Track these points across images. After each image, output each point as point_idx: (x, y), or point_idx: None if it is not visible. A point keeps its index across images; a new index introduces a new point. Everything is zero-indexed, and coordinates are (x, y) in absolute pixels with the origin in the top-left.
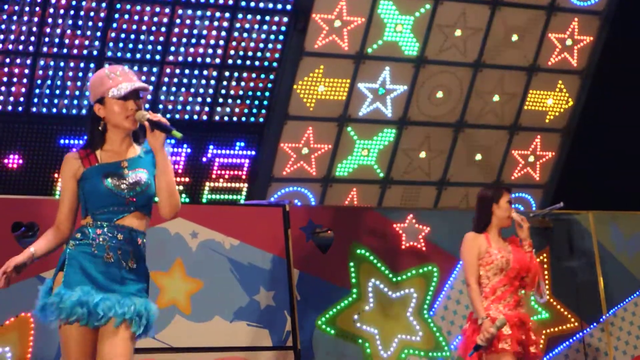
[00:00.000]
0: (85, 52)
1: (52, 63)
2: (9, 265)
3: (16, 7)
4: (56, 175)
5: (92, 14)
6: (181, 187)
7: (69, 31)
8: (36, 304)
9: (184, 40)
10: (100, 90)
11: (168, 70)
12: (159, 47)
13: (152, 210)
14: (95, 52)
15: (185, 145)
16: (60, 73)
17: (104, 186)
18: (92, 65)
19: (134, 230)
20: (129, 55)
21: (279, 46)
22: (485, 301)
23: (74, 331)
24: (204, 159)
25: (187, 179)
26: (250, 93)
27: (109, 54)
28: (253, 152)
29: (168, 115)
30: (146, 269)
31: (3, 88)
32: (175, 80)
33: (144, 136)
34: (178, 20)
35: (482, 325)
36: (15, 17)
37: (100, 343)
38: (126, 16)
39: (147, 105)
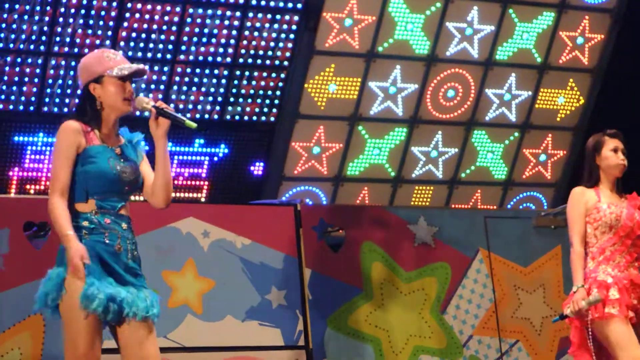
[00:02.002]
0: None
1: (63, 62)
2: (81, 255)
3: (27, 7)
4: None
5: (103, 13)
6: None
7: (79, 30)
8: (43, 292)
9: (195, 39)
10: (98, 69)
11: (179, 70)
12: (170, 46)
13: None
14: None
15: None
16: (72, 72)
17: (112, 171)
18: None
19: (129, 219)
20: (139, 54)
21: (289, 45)
22: (592, 262)
23: (89, 322)
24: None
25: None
26: (261, 92)
27: (121, 53)
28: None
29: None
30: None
31: (14, 87)
32: (186, 79)
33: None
34: (189, 20)
35: (575, 293)
36: (26, 17)
37: (132, 341)
38: (137, 15)
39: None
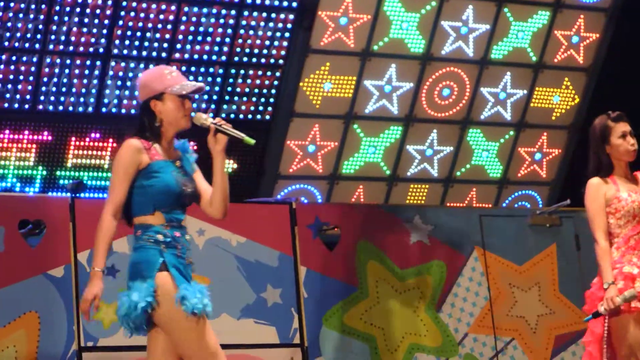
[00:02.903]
0: (91, 49)
1: (58, 60)
2: (94, 296)
3: (22, 5)
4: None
5: (98, 11)
6: None
7: (75, 28)
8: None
9: (190, 37)
10: (159, 86)
11: (174, 68)
12: (165, 45)
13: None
14: (101, 50)
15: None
16: (67, 71)
17: (177, 185)
18: (98, 62)
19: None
20: (135, 52)
21: (285, 43)
22: (616, 252)
23: (197, 321)
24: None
25: None
26: (256, 90)
27: (115, 51)
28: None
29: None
30: None
31: (10, 85)
32: None
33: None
34: (184, 18)
35: (606, 290)
36: (21, 15)
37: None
38: (132, 13)
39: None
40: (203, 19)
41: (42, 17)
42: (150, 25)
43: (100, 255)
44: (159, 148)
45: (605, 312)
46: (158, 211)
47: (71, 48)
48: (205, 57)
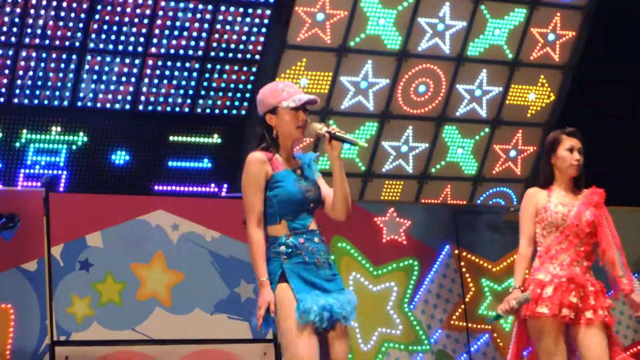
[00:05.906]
0: (67, 43)
1: (34, 54)
2: (270, 308)
3: None
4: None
5: (74, 5)
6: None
7: (51, 22)
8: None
9: (166, 32)
10: (272, 101)
11: (150, 62)
12: (141, 39)
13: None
14: (77, 44)
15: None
16: (43, 64)
17: (299, 192)
18: (74, 56)
19: (318, 231)
20: (111, 46)
21: (261, 39)
22: (537, 261)
23: (306, 333)
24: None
25: None
26: (232, 85)
27: (91, 45)
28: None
29: (150, 107)
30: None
31: None
32: (157, 72)
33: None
34: (160, 12)
35: (510, 292)
36: None
37: (332, 345)
38: (108, 7)
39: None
40: (180, 14)
41: (18, 10)
42: (126, 19)
43: (260, 265)
44: (280, 159)
45: (503, 314)
46: (283, 220)
47: (47, 42)
48: (181, 51)
